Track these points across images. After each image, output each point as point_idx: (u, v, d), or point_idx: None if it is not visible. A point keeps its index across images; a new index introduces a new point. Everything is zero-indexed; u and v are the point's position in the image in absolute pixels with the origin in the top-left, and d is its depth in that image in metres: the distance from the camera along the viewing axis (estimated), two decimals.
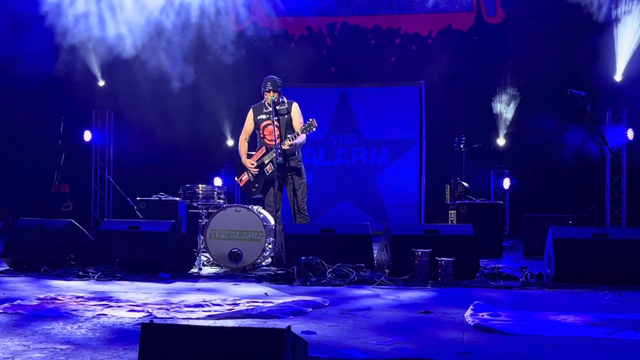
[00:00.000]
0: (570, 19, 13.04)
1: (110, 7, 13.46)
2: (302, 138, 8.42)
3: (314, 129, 8.30)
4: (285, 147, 8.30)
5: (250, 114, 8.76)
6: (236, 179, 8.97)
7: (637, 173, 12.96)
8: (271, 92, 8.45)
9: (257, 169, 8.61)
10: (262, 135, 8.66)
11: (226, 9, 14.24)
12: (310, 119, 8.29)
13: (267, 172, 8.53)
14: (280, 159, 8.24)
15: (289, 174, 8.52)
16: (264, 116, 8.59)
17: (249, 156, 8.70)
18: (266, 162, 8.53)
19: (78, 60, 13.58)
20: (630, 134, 12.99)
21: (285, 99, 8.66)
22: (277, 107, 8.49)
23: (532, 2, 13.64)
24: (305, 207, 8.61)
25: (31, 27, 13.02)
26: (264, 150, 8.58)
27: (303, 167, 8.70)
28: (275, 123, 8.36)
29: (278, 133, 8.34)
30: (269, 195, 8.60)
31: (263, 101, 8.61)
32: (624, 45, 12.79)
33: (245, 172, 8.75)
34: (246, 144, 8.81)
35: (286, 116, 8.55)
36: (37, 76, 13.20)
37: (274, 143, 8.27)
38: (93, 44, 13.60)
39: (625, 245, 7.03)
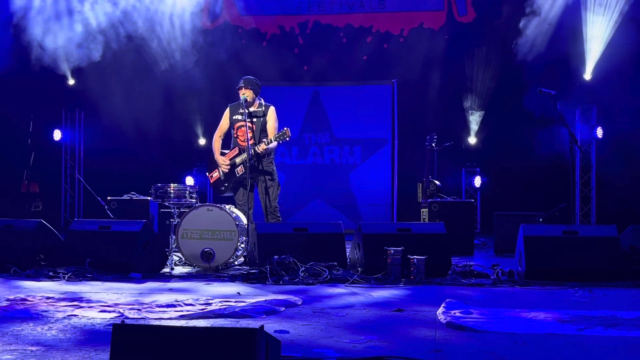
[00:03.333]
0: (540, 16, 13.14)
1: (80, 5, 13.37)
2: (274, 145, 8.41)
3: (287, 139, 8.26)
4: (258, 150, 8.28)
5: (227, 112, 8.74)
6: (207, 174, 8.96)
7: (606, 171, 13.10)
8: (242, 89, 8.44)
9: (228, 167, 8.59)
10: (235, 135, 8.64)
11: (198, 7, 14.18)
12: (285, 128, 8.24)
13: (238, 174, 8.51)
14: (252, 160, 8.23)
15: (260, 176, 8.50)
16: (239, 116, 8.54)
17: (222, 154, 8.69)
18: (237, 163, 8.51)
19: (47, 58, 13.44)
20: (599, 132, 13.13)
21: (262, 101, 8.65)
22: (254, 110, 8.50)
23: (502, 1, 13.74)
24: (277, 208, 8.60)
25: None
26: (237, 151, 8.56)
27: (275, 169, 8.68)
28: (250, 125, 8.36)
29: (251, 135, 8.33)
30: (239, 194, 8.61)
31: (241, 101, 8.56)
32: (593, 44, 12.92)
33: (217, 170, 8.72)
34: (220, 141, 8.79)
35: (262, 119, 8.52)
36: (6, 75, 13.04)
37: (246, 144, 8.25)
38: (63, 42, 13.46)
39: (595, 242, 7.11)
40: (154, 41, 14.05)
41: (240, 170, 8.48)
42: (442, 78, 14.09)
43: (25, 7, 12.98)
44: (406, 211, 13.26)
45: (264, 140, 8.32)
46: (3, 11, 12.87)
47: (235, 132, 8.62)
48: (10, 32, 12.95)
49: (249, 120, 8.38)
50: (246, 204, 8.41)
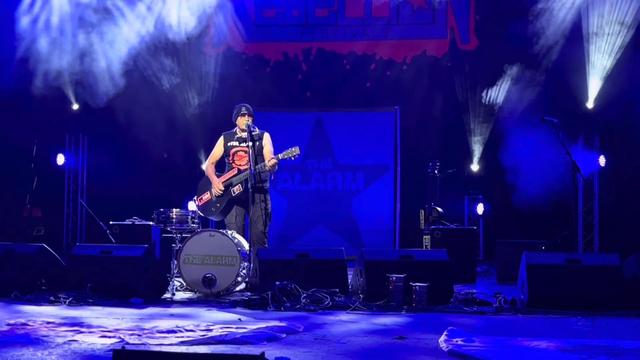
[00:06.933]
0: (542, 45, 13.21)
1: (85, 31, 13.46)
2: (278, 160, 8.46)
3: (294, 155, 8.30)
4: (269, 164, 8.30)
5: (221, 140, 8.83)
6: (195, 198, 8.91)
7: (609, 199, 13.08)
8: (246, 116, 8.56)
9: (222, 191, 8.60)
10: (231, 161, 8.70)
11: (201, 33, 14.27)
12: (296, 147, 8.30)
13: (233, 193, 8.54)
14: (252, 181, 8.26)
15: (256, 200, 8.48)
16: (235, 142, 8.68)
17: (218, 177, 8.73)
18: (235, 182, 8.54)
19: (51, 83, 13.50)
20: (602, 160, 13.13)
21: (257, 128, 8.71)
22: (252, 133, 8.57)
23: (505, 29, 13.80)
24: (266, 237, 8.59)
25: (3, 50, 12.94)
26: (235, 172, 8.59)
27: (269, 198, 8.71)
28: (249, 150, 8.41)
29: (247, 160, 8.42)
30: (231, 216, 8.64)
31: (234, 129, 8.70)
32: (595, 72, 12.97)
33: (207, 192, 8.74)
34: (213, 167, 8.84)
35: (257, 143, 8.60)
36: (10, 99, 13.10)
37: (247, 167, 8.32)
38: (68, 68, 13.55)
39: (598, 271, 7.09)
40: (156, 67, 14.12)
41: (237, 189, 8.51)
42: (444, 105, 14.15)
43: (30, 31, 13.06)
44: (408, 238, 13.24)
45: (273, 157, 8.38)
46: (8, 35, 12.96)
47: (231, 157, 8.69)
48: (15, 56, 13.02)
49: (246, 145, 8.47)
50: (239, 228, 8.47)
